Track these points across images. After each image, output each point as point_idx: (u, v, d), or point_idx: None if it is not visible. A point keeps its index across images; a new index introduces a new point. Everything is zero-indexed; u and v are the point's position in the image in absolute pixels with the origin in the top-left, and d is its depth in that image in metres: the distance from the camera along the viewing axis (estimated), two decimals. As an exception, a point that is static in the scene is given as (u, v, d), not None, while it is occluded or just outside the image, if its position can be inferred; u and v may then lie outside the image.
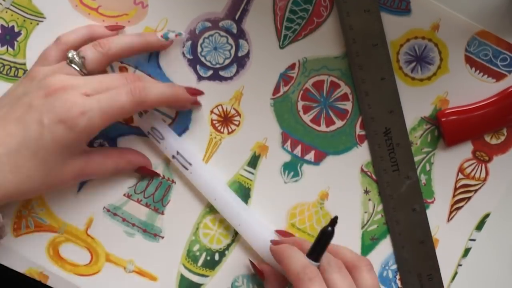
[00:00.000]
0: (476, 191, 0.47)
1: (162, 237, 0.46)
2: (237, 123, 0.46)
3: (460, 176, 0.47)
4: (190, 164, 0.44)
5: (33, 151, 0.39)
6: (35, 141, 0.39)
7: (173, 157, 0.44)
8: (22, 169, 0.39)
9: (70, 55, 0.42)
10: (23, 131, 0.39)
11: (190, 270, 0.46)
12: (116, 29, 0.45)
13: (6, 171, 0.39)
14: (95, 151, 0.43)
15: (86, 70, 0.42)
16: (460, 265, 0.47)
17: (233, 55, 0.46)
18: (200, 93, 0.45)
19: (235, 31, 0.46)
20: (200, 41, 0.46)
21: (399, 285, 0.47)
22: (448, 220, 0.47)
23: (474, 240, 0.47)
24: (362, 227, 0.47)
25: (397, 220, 0.46)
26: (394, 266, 0.47)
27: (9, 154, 0.39)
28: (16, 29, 0.45)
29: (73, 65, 0.42)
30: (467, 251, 0.47)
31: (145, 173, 0.45)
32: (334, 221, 0.39)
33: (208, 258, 0.46)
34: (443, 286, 0.47)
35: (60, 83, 0.40)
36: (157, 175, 0.45)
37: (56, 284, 0.46)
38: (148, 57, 0.46)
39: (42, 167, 0.39)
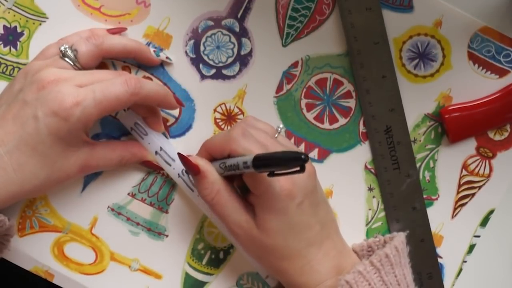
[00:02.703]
0: (480, 187, 0.47)
1: (167, 236, 0.46)
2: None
3: (464, 172, 0.47)
4: (173, 160, 0.44)
5: (32, 147, 0.39)
6: (33, 136, 0.39)
7: (156, 153, 0.44)
8: (25, 166, 0.39)
9: (62, 48, 0.42)
10: (21, 128, 0.39)
11: (195, 269, 0.46)
12: (117, 32, 0.45)
13: (9, 170, 0.39)
14: (99, 144, 0.43)
15: (79, 64, 0.42)
16: (465, 261, 0.47)
17: (236, 53, 0.46)
18: (182, 105, 0.45)
19: (237, 29, 0.46)
20: (203, 40, 0.46)
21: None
22: (453, 216, 0.47)
23: (478, 236, 0.47)
24: (367, 224, 0.47)
25: (397, 219, 0.46)
26: (399, 263, 0.47)
27: (10, 152, 0.39)
28: (18, 30, 0.45)
29: (66, 58, 0.42)
30: (471, 248, 0.47)
31: (150, 166, 0.45)
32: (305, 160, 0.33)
33: (213, 256, 0.47)
34: (442, 285, 0.47)
35: (52, 76, 0.39)
36: (161, 169, 0.45)
37: (62, 282, 0.46)
38: (151, 56, 0.46)
39: (44, 161, 0.39)
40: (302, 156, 0.32)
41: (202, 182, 0.40)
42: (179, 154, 0.41)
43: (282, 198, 0.38)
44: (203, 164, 0.40)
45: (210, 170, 0.40)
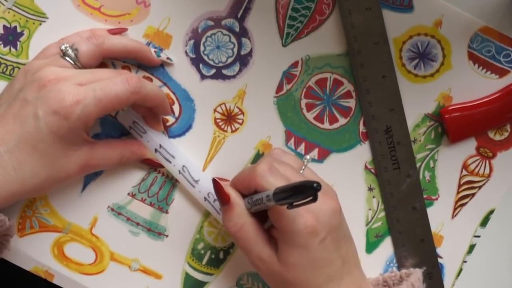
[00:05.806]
0: (480, 187, 0.47)
1: (167, 236, 0.46)
2: (240, 121, 0.46)
3: (464, 172, 0.47)
4: (173, 157, 0.44)
5: (32, 145, 0.39)
6: (33, 134, 0.39)
7: (156, 150, 0.44)
8: (25, 164, 0.39)
9: (63, 47, 0.42)
10: (21, 127, 0.39)
11: (194, 268, 0.46)
12: (118, 32, 0.45)
13: (9, 168, 0.39)
14: (99, 142, 0.43)
15: (80, 64, 0.42)
16: (465, 261, 0.47)
17: (236, 53, 0.46)
18: (173, 113, 0.45)
19: (237, 29, 0.46)
20: (203, 40, 0.46)
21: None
22: (453, 216, 0.47)
23: (478, 236, 0.47)
24: (367, 224, 0.47)
25: (397, 219, 0.46)
26: (399, 263, 0.47)
27: (10, 151, 0.39)
28: (18, 30, 0.45)
29: (66, 58, 0.42)
30: (471, 248, 0.47)
31: (150, 164, 0.45)
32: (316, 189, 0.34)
33: (213, 256, 0.47)
34: (442, 285, 0.47)
35: (52, 75, 0.39)
36: (162, 166, 0.45)
37: (62, 282, 0.46)
38: (151, 56, 0.46)
39: (44, 160, 0.39)
40: (314, 185, 0.33)
41: (229, 214, 0.40)
42: (213, 179, 0.41)
43: (304, 234, 0.38)
44: (234, 195, 0.40)
45: (239, 203, 0.40)
